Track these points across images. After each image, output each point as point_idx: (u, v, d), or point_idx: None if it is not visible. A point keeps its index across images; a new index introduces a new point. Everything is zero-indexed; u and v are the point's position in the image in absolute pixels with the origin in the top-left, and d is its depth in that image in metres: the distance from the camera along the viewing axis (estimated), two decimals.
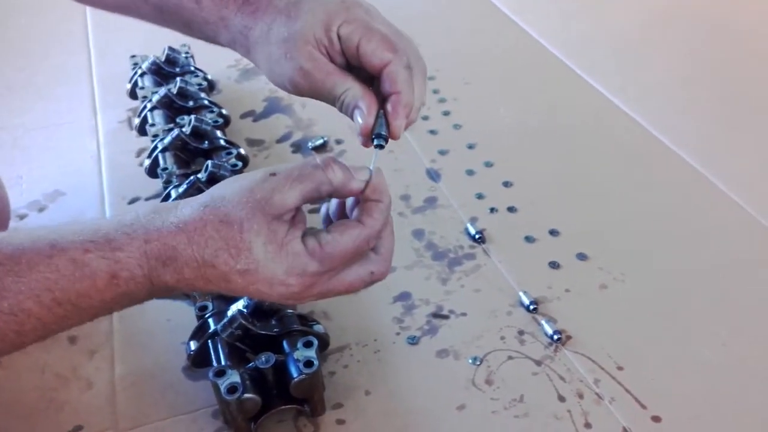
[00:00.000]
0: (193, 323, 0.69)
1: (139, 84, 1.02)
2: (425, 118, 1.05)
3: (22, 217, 0.90)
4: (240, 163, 0.84)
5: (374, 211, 0.51)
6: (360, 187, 0.51)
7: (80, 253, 0.46)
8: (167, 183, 0.82)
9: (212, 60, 1.17)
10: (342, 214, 0.55)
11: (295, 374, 0.61)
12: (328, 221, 0.56)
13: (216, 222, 0.48)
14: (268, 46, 0.54)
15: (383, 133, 0.52)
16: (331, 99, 0.53)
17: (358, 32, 0.51)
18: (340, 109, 0.54)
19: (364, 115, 0.51)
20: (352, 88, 0.52)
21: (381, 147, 0.52)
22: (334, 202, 0.55)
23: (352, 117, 0.53)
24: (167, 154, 0.86)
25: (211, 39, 0.60)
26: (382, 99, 0.53)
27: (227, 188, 0.50)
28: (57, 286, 0.46)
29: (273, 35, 0.54)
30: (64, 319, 0.47)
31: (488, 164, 0.97)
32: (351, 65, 0.53)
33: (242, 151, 0.87)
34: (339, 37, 0.52)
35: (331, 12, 0.52)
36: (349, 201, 0.54)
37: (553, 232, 0.86)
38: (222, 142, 0.88)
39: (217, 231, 0.48)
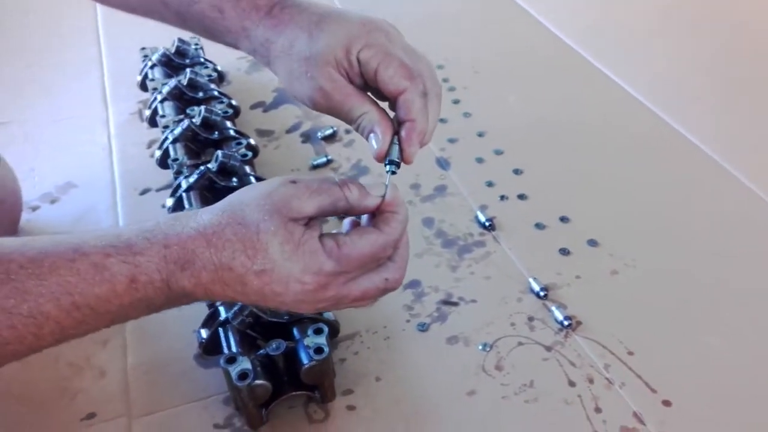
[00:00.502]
0: (204, 312, 0.69)
1: (150, 76, 1.02)
2: None
3: (34, 209, 0.91)
4: (250, 153, 0.85)
5: (392, 220, 0.52)
6: (376, 203, 0.52)
7: (101, 257, 0.47)
8: (178, 173, 0.83)
9: (222, 51, 1.15)
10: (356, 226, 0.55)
11: (305, 361, 0.61)
12: None
13: (234, 224, 0.49)
14: (289, 61, 0.55)
15: (396, 159, 0.53)
16: (348, 120, 0.55)
17: (377, 57, 0.52)
18: (357, 130, 0.55)
19: (379, 141, 0.53)
20: (369, 112, 0.53)
21: (393, 173, 0.54)
22: (347, 222, 0.56)
23: (367, 139, 0.54)
24: (177, 145, 0.86)
25: (232, 46, 0.61)
26: (397, 122, 0.54)
27: (246, 194, 0.51)
28: (77, 290, 0.46)
29: (295, 52, 0.54)
30: (82, 324, 0.48)
31: (498, 152, 0.97)
32: (369, 86, 0.54)
33: (252, 141, 0.88)
34: (359, 61, 0.52)
35: (352, 35, 0.52)
36: (364, 218, 0.55)
37: (564, 219, 0.85)
38: (232, 132, 0.88)
39: (235, 233, 0.48)
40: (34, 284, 0.45)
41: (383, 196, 0.52)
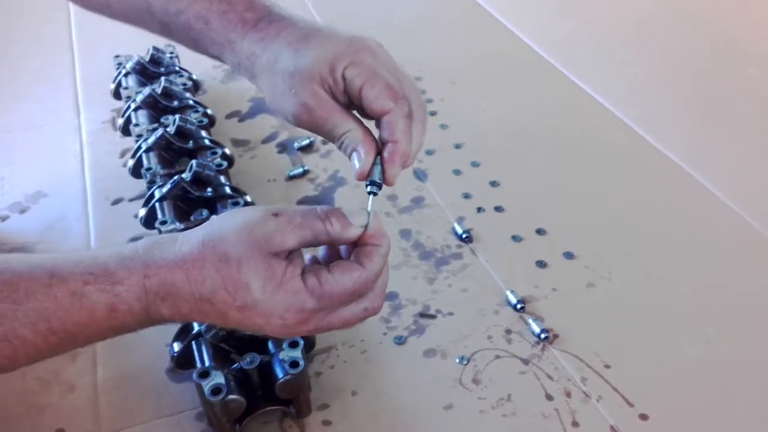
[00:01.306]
0: (177, 325, 0.68)
1: (123, 84, 1.01)
2: None
3: (3, 218, 0.89)
4: (225, 163, 0.84)
5: (374, 254, 0.51)
6: (357, 234, 0.51)
7: (80, 285, 0.47)
8: (151, 183, 0.81)
9: (197, 60, 1.14)
10: (335, 252, 0.55)
11: (280, 375, 0.60)
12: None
13: (215, 261, 0.48)
14: (273, 76, 0.54)
15: (377, 180, 0.52)
16: (331, 137, 0.54)
17: (362, 76, 0.51)
18: (340, 148, 0.54)
19: (362, 160, 0.52)
20: (352, 131, 0.52)
21: (375, 194, 0.53)
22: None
23: (350, 158, 0.53)
24: (151, 154, 0.85)
25: (217, 58, 0.60)
26: (381, 142, 0.53)
27: (226, 225, 0.50)
28: (54, 316, 0.46)
29: (279, 67, 0.53)
30: (58, 347, 0.48)
31: (475, 164, 0.97)
32: (354, 104, 0.53)
33: (227, 150, 0.87)
34: (344, 78, 0.52)
35: (338, 53, 0.52)
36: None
37: (540, 231, 0.85)
38: (207, 141, 0.87)
39: (216, 270, 0.48)
40: (9, 308, 0.45)
41: (365, 227, 0.52)
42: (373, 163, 0.52)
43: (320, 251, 0.55)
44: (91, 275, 0.47)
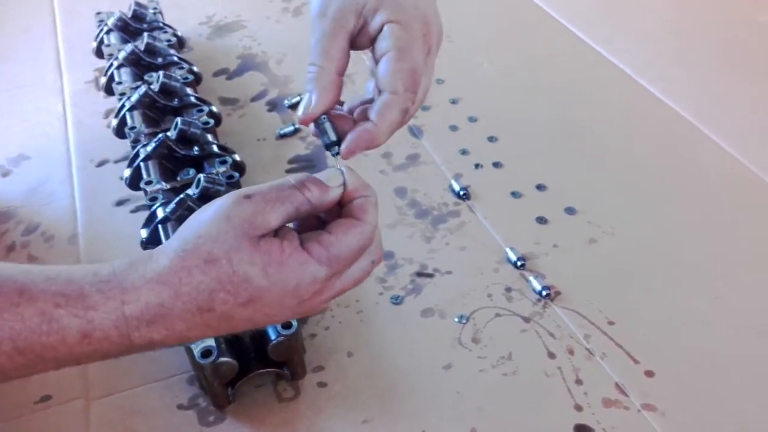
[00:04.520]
0: None
1: (105, 41, 0.97)
2: None
3: None
4: (212, 121, 0.80)
5: (367, 205, 0.47)
6: (338, 195, 0.47)
7: (50, 306, 0.42)
8: (135, 142, 0.78)
9: (182, 17, 1.13)
10: (310, 222, 0.50)
11: (273, 336, 0.58)
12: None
13: (201, 264, 0.43)
14: None
15: (334, 139, 0.47)
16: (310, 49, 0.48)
17: (398, 42, 0.46)
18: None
19: (310, 107, 0.46)
20: (324, 68, 0.47)
21: (338, 154, 0.47)
22: None
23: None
24: (135, 112, 0.81)
25: None
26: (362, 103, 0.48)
27: (197, 224, 0.45)
28: (20, 337, 0.42)
29: None
30: (26, 368, 0.43)
31: (472, 119, 0.94)
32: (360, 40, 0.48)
33: (214, 108, 0.83)
34: (380, 30, 0.47)
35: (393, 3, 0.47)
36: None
37: (540, 187, 0.83)
38: (192, 99, 0.83)
39: (205, 273, 0.43)
40: None
41: (344, 184, 0.47)
42: (327, 121, 0.47)
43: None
44: (63, 297, 0.43)
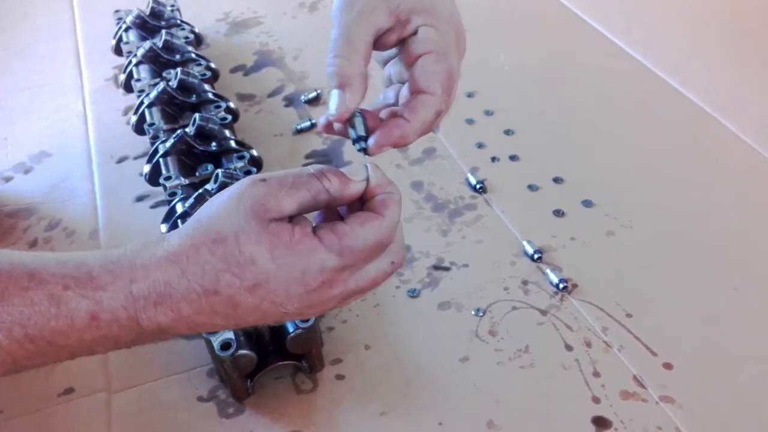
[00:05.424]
0: None
1: (124, 39, 0.98)
2: None
3: (7, 179, 0.87)
4: (230, 117, 0.81)
5: (389, 202, 0.45)
6: (360, 189, 0.45)
7: (59, 289, 0.42)
8: (154, 138, 0.79)
9: (199, 14, 1.14)
10: (333, 215, 0.49)
11: (291, 329, 0.59)
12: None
13: (209, 243, 0.42)
14: None
15: (363, 134, 0.46)
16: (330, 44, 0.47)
17: (434, 47, 0.46)
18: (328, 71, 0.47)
19: (343, 104, 0.45)
20: (352, 62, 0.45)
21: (365, 150, 0.46)
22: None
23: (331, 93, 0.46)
24: (154, 109, 0.82)
25: None
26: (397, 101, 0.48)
27: (212, 206, 0.44)
28: (30, 322, 0.41)
29: None
30: (38, 356, 0.43)
31: (488, 113, 0.93)
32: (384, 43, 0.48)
33: (231, 104, 0.84)
34: (415, 33, 0.46)
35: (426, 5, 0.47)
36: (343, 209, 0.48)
37: (557, 180, 0.83)
38: (210, 95, 0.84)
39: (212, 252, 0.42)
40: None
41: (367, 179, 0.46)
42: (359, 115, 0.46)
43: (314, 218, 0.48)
44: (72, 279, 0.42)
